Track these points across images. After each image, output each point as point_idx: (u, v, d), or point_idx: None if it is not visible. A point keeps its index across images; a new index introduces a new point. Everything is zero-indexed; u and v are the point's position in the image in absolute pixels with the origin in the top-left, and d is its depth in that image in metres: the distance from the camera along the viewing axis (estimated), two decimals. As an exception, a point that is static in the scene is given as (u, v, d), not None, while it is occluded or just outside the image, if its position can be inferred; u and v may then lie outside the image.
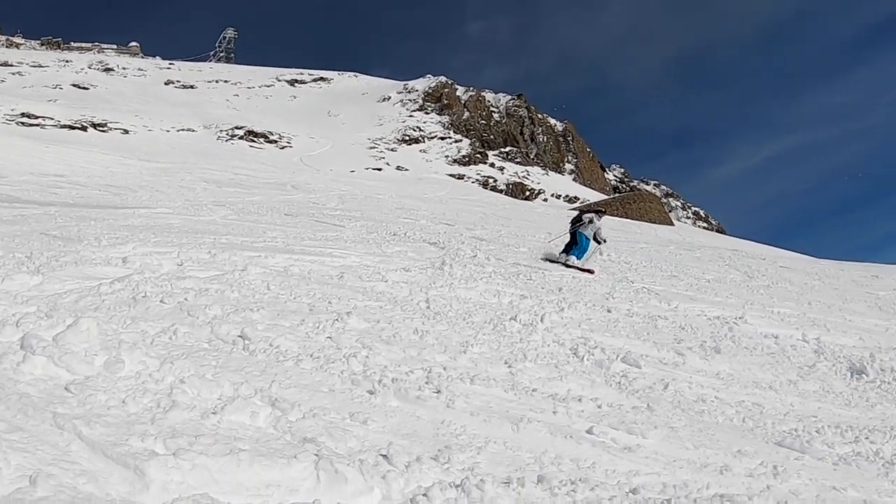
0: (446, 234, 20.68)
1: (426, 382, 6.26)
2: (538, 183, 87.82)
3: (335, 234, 16.71)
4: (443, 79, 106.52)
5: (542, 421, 5.78)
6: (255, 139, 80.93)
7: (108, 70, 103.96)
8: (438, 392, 6.02)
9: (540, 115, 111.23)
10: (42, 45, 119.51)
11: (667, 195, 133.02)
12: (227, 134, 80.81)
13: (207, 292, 8.41)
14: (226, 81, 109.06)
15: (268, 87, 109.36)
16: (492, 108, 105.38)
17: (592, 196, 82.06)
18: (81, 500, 3.30)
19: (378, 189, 45.60)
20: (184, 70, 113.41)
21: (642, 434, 5.85)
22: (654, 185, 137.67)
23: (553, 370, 7.46)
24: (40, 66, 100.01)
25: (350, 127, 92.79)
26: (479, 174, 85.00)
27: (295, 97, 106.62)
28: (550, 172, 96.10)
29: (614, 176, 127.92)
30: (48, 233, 12.10)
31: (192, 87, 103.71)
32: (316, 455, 4.14)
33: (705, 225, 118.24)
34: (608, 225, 31.41)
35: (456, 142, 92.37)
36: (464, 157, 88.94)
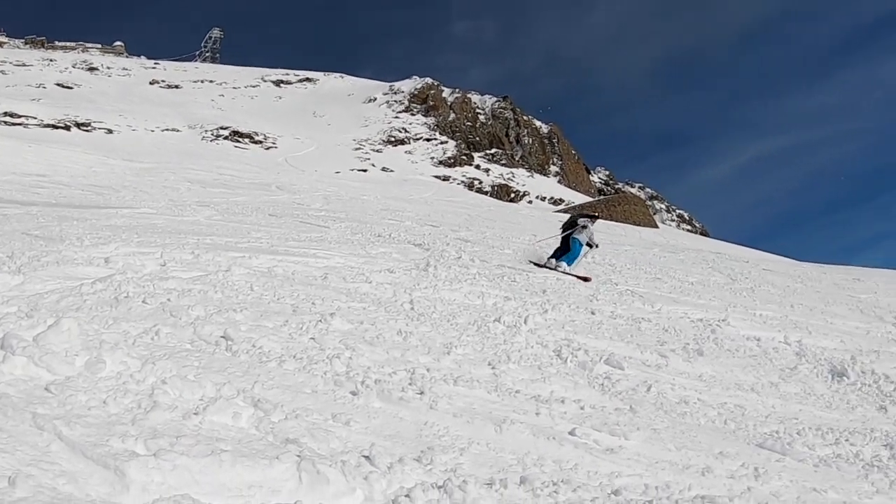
0: (431, 235, 20.68)
1: (409, 384, 6.25)
2: (523, 185, 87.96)
3: (319, 235, 16.69)
4: (429, 80, 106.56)
5: (525, 422, 5.78)
6: (240, 139, 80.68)
7: (92, 69, 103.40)
8: (421, 393, 6.02)
9: (525, 117, 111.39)
10: (26, 43, 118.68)
11: (651, 198, 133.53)
12: (212, 134, 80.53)
13: (190, 293, 8.38)
14: (211, 81, 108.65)
15: (253, 87, 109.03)
16: (477, 110, 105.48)
17: (577, 198, 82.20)
18: (61, 501, 3.28)
19: (363, 190, 45.55)
20: (169, 70, 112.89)
21: (625, 436, 5.87)
22: (639, 187, 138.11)
23: (536, 372, 7.47)
24: (24, 65, 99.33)
25: (335, 128, 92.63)
26: (464, 176, 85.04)
27: (280, 98, 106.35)
28: (535, 174, 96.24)
29: (599, 178, 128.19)
30: (30, 233, 12.02)
31: (177, 86, 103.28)
32: (298, 456, 4.13)
33: (690, 227, 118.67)
34: (594, 228, 31.50)
35: (441, 143, 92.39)
36: (449, 158, 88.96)
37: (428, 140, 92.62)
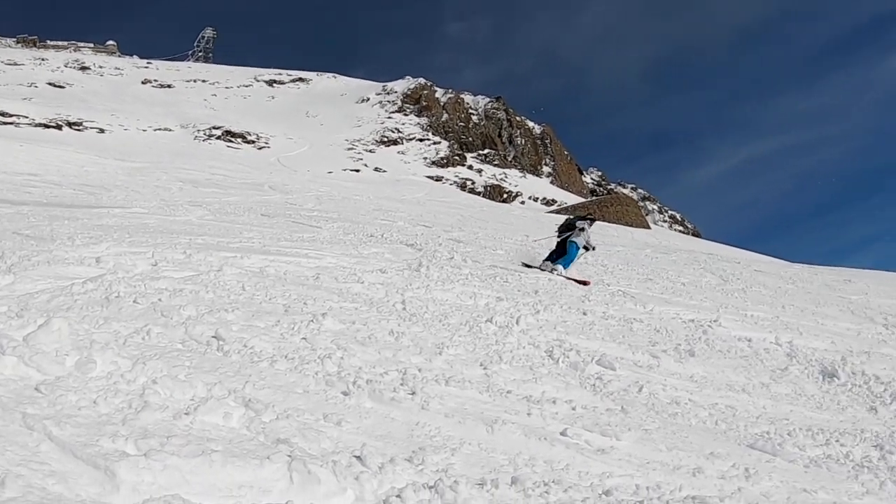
0: (423, 235, 20.68)
1: (401, 384, 6.25)
2: (516, 185, 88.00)
3: (312, 235, 16.67)
4: (422, 80, 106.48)
5: (517, 423, 5.79)
6: (233, 139, 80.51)
7: (84, 69, 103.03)
8: (413, 393, 6.02)
9: (518, 118, 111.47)
10: (17, 42, 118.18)
11: (644, 198, 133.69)
12: (205, 134, 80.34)
13: (182, 293, 8.36)
14: (204, 81, 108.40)
15: (246, 87, 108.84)
16: (470, 111, 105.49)
17: (570, 199, 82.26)
18: (51, 501, 3.27)
19: (355, 190, 45.52)
20: (161, 69, 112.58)
21: (616, 436, 5.88)
22: (632, 188, 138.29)
23: (528, 372, 7.48)
24: (15, 64, 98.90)
25: (328, 128, 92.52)
26: (457, 176, 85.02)
27: (273, 97, 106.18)
28: (528, 175, 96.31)
29: (592, 179, 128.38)
30: (20, 232, 11.97)
31: (169, 86, 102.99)
32: (289, 456, 4.13)
33: (682, 228, 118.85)
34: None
35: (434, 144, 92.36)
36: (442, 159, 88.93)
37: (421, 140, 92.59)
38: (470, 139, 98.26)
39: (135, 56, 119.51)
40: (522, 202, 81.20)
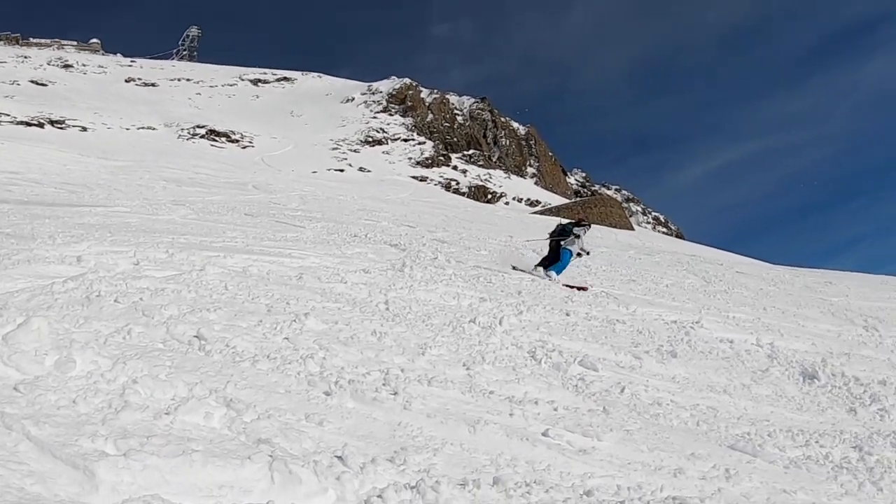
0: (408, 236, 20.67)
1: (383, 384, 6.25)
2: (500, 186, 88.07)
3: (295, 235, 16.63)
4: (407, 80, 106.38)
5: (499, 423, 5.80)
6: (217, 138, 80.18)
7: (67, 67, 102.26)
8: (395, 394, 6.02)
9: (503, 119, 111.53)
10: (0, 40, 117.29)
11: (627, 200, 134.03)
12: (189, 133, 79.96)
13: (164, 292, 8.31)
14: (188, 80, 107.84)
15: (231, 86, 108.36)
16: (455, 111, 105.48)
17: (554, 200, 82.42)
18: (29, 501, 3.25)
19: (340, 190, 45.44)
20: (145, 68, 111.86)
21: (598, 437, 5.90)
22: (616, 189, 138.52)
23: (511, 373, 7.49)
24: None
25: (313, 127, 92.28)
26: (441, 177, 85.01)
27: (258, 97, 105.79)
28: (512, 176, 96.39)
29: (576, 180, 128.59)
30: (0, 230, 11.88)
31: (153, 84, 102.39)
32: (270, 456, 4.11)
33: (665, 230, 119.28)
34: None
35: (419, 144, 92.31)
36: (427, 159, 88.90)
37: (405, 141, 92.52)
38: (455, 140, 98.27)
39: (119, 54, 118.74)
40: (507, 203, 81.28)
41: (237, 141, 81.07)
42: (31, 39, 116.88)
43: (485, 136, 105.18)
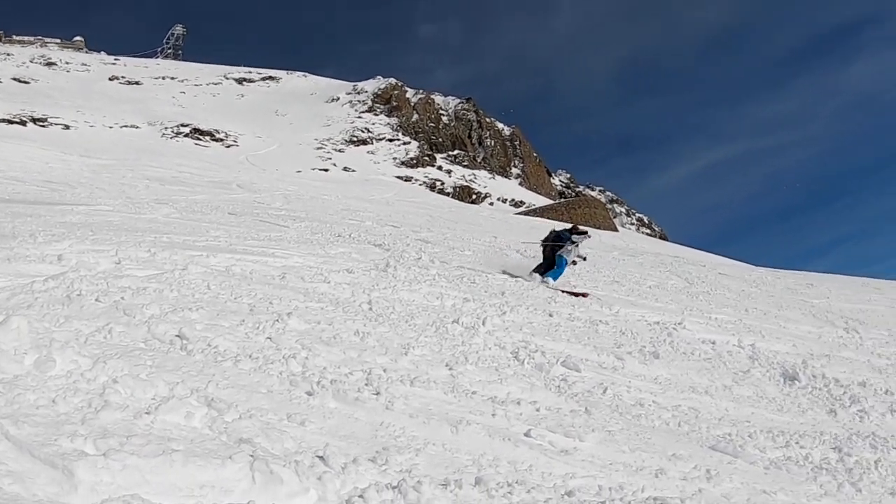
0: (392, 236, 20.66)
1: (366, 384, 6.24)
2: (485, 187, 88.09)
3: (279, 235, 16.58)
4: (393, 80, 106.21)
5: (481, 423, 5.81)
6: (201, 137, 79.80)
7: (50, 64, 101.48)
8: (378, 394, 6.01)
9: (488, 119, 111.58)
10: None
11: (611, 201, 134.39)
12: (172, 131, 79.55)
13: (145, 291, 8.27)
14: (172, 78, 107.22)
15: (215, 84, 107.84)
16: (441, 111, 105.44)
17: (538, 201, 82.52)
18: (7, 501, 3.23)
19: (324, 190, 45.34)
20: (129, 66, 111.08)
21: (579, 437, 5.92)
22: (600, 191, 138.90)
23: (493, 373, 7.50)
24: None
25: (297, 127, 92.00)
26: (426, 177, 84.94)
27: (242, 96, 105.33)
28: (497, 177, 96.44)
29: (560, 181, 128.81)
30: (-19, 228, 11.77)
31: (137, 83, 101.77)
32: (251, 456, 4.10)
33: (649, 231, 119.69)
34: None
35: (404, 144, 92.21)
36: (412, 159, 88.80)
37: (390, 140, 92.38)
38: (440, 140, 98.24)
39: (102, 52, 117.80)
40: (491, 203, 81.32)
41: (221, 140, 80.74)
42: (14, 37, 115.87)
43: (470, 137, 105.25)
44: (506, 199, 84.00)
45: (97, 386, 4.91)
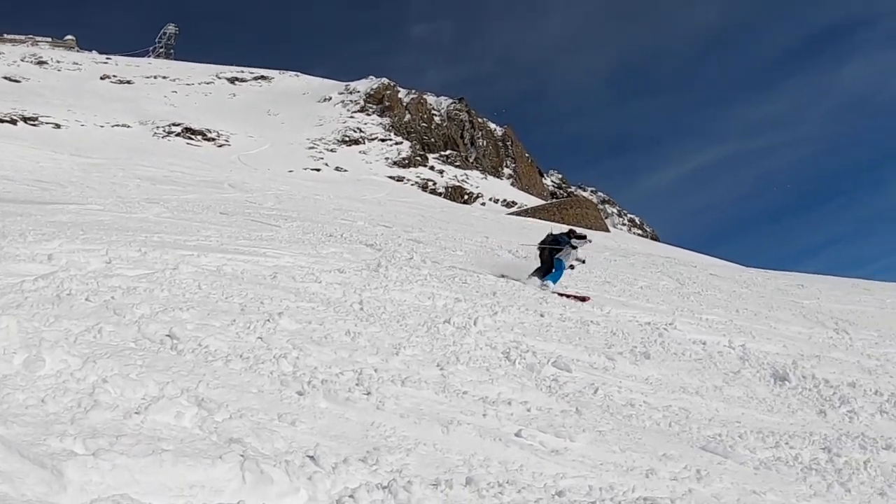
0: (383, 236, 20.65)
1: (356, 384, 6.24)
2: (477, 187, 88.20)
3: (270, 234, 16.55)
4: (385, 80, 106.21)
5: (472, 423, 5.81)
6: (193, 137, 79.66)
7: (41, 63, 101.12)
8: (369, 394, 6.01)
9: (480, 119, 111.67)
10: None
11: (603, 202, 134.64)
12: (164, 131, 79.38)
13: (136, 291, 8.24)
14: (164, 78, 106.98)
15: (207, 84, 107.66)
16: (433, 111, 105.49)
17: (530, 201, 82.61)
18: (-5, 502, 3.21)
19: (316, 190, 45.29)
20: (121, 65, 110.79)
21: (570, 437, 5.93)
22: (591, 191, 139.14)
23: (484, 373, 7.50)
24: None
25: (289, 127, 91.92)
26: (418, 177, 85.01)
27: (235, 95, 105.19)
28: (489, 177, 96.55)
29: (552, 181, 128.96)
30: (-29, 227, 11.73)
31: (129, 82, 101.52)
32: (241, 456, 4.09)
33: (640, 232, 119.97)
34: (546, 231, 31.70)
35: (396, 144, 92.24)
36: (404, 159, 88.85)
37: (383, 140, 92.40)
38: (432, 140, 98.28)
39: (94, 51, 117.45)
40: (483, 204, 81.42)
41: (213, 139, 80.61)
42: (5, 35, 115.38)
43: (462, 137, 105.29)
44: (497, 200, 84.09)
45: (87, 385, 4.89)
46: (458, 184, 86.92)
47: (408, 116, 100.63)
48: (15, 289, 7.49)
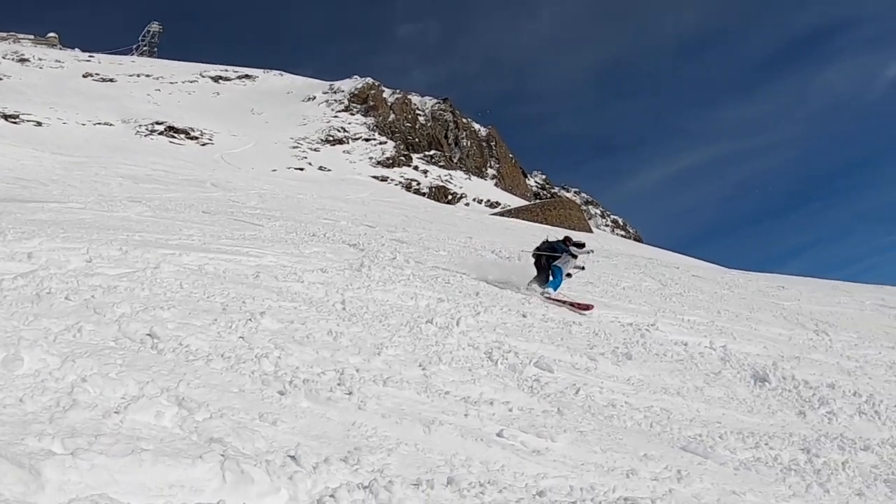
0: (367, 235, 20.61)
1: (338, 384, 6.23)
2: (461, 187, 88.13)
3: (253, 234, 16.49)
4: (369, 80, 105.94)
5: (454, 423, 5.81)
6: (176, 135, 79.20)
7: (23, 61, 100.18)
8: (350, 393, 6.00)
9: (464, 120, 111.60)
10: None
11: (587, 203, 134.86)
12: (147, 129, 78.88)
13: (116, 289, 8.19)
14: (147, 76, 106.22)
15: (191, 82, 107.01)
16: (417, 112, 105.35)
17: (514, 202, 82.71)
18: (-29, 501, 3.19)
19: (299, 189, 45.16)
20: (104, 63, 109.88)
21: (551, 438, 5.94)
22: (575, 192, 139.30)
23: (467, 373, 7.51)
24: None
25: (273, 126, 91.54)
26: (402, 177, 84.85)
27: (218, 94, 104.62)
28: (473, 177, 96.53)
29: (535, 182, 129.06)
30: (-50, 225, 11.62)
31: (111, 80, 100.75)
32: (222, 455, 4.07)
33: (623, 233, 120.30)
34: (530, 232, 31.77)
35: (380, 144, 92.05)
36: (388, 159, 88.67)
37: (367, 140, 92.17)
38: (416, 140, 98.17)
39: (76, 49, 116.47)
40: (467, 204, 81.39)
41: (196, 138, 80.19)
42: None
43: (446, 137, 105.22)
44: (481, 200, 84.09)
45: (66, 385, 4.86)
46: (441, 184, 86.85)
47: (392, 116, 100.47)
48: (-6, 287, 7.43)
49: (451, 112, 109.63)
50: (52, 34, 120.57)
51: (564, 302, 13.51)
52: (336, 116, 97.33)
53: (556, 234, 17.24)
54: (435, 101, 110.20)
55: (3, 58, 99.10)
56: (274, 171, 67.90)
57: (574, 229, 56.54)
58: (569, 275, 15.17)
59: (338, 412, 5.59)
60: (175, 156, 63.12)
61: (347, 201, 41.21)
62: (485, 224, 41.19)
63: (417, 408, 6.10)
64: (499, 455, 5.32)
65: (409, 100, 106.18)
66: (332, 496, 4.00)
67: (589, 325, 11.34)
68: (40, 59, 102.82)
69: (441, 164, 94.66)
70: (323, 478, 4.23)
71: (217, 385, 5.62)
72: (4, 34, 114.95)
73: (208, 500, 3.74)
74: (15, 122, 69.36)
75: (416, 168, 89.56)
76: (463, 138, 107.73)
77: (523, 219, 55.40)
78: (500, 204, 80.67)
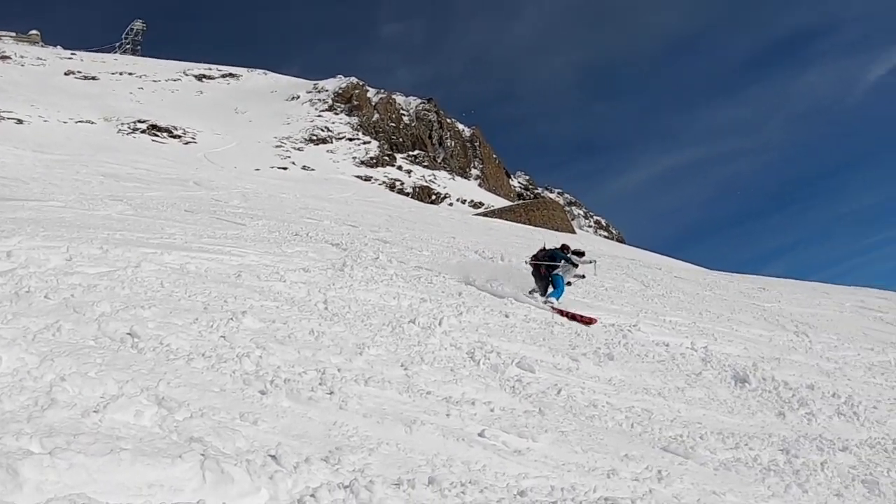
0: (350, 235, 20.56)
1: (319, 383, 6.21)
2: (444, 187, 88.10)
3: (236, 233, 16.42)
4: (354, 80, 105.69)
5: (436, 423, 5.81)
6: (158, 134, 78.71)
7: (4, 58, 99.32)
8: (331, 393, 5.99)
9: (449, 120, 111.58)
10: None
11: (570, 203, 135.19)
12: (129, 127, 78.37)
13: (96, 288, 8.14)
14: (130, 74, 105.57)
15: (174, 81, 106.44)
16: (402, 111, 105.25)
17: (497, 202, 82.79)
18: (-53, 501, 3.16)
19: (283, 188, 45.00)
20: (86, 61, 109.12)
21: (533, 438, 5.95)
22: (558, 193, 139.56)
23: (449, 373, 7.51)
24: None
25: (257, 125, 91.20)
26: (386, 177, 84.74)
27: (202, 92, 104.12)
28: (457, 177, 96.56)
29: (519, 183, 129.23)
30: (-72, 222, 11.51)
31: (94, 78, 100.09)
32: (202, 455, 4.05)
33: (606, 234, 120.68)
34: (513, 232, 31.82)
35: (364, 143, 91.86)
36: (371, 159, 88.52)
37: (351, 140, 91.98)
38: (400, 140, 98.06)
39: (59, 46, 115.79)
40: (450, 204, 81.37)
41: (179, 137, 79.74)
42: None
43: (430, 137, 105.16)
44: (465, 200, 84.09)
45: (44, 384, 4.83)
46: (425, 184, 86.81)
47: (376, 116, 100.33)
48: (-28, 285, 7.36)
49: (435, 112, 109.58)
50: (34, 31, 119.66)
51: (571, 315, 12.91)
52: (320, 116, 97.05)
53: (553, 240, 16.95)
54: (419, 101, 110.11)
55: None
56: (257, 170, 67.63)
57: (557, 230, 56.68)
58: (569, 283, 14.90)
59: (319, 412, 5.57)
60: (157, 154, 62.74)
61: (331, 201, 41.13)
62: (468, 224, 41.20)
63: (399, 408, 6.10)
64: (480, 455, 5.33)
65: (394, 100, 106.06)
66: (312, 496, 3.99)
67: (571, 326, 11.37)
68: (22, 57, 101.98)
69: (425, 164, 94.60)
70: (304, 477, 4.22)
71: (198, 384, 5.59)
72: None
73: (188, 500, 3.72)
74: (-5, 120, 68.67)
75: (399, 168, 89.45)
76: (447, 138, 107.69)
77: (506, 219, 55.46)
78: (483, 204, 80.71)
